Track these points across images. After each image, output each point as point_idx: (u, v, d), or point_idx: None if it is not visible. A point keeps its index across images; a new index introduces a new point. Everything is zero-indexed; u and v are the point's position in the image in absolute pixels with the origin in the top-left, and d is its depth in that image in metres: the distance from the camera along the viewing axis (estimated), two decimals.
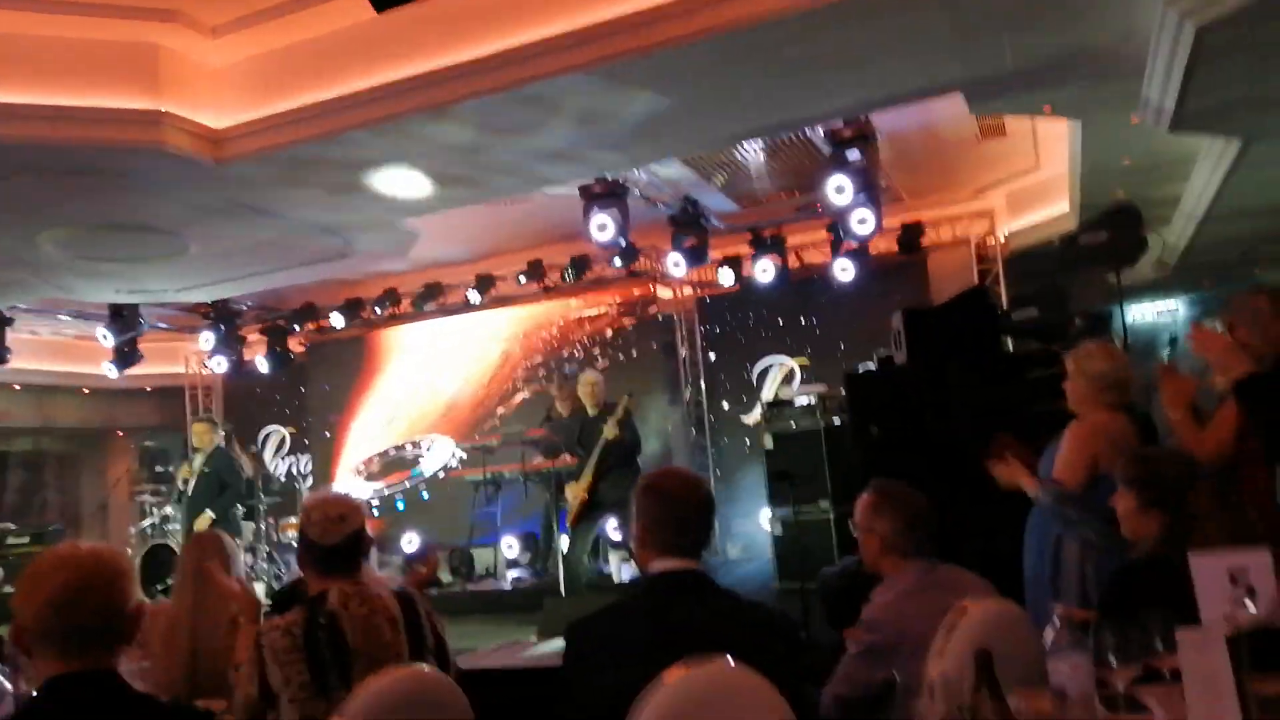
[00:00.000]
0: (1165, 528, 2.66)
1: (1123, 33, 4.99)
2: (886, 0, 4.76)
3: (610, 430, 7.76)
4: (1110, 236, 5.08)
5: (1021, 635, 2.54)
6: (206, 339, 11.46)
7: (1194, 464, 2.83)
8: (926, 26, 5.07)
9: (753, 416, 10.46)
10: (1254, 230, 7.65)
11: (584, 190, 7.83)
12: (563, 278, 10.21)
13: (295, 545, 3.13)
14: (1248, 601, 1.88)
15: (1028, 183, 9.65)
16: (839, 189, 7.16)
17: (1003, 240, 10.17)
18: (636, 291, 10.91)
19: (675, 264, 8.93)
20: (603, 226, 7.86)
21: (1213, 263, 8.62)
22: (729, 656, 2.05)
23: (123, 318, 10.48)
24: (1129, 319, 10.24)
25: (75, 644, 1.83)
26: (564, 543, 7.96)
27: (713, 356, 11.31)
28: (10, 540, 10.79)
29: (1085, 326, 6.72)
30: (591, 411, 8.14)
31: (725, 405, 11.21)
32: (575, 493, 7.88)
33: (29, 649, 1.86)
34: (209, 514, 7.95)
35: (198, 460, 8.27)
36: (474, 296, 10.91)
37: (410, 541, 10.76)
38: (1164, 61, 4.56)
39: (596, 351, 11.02)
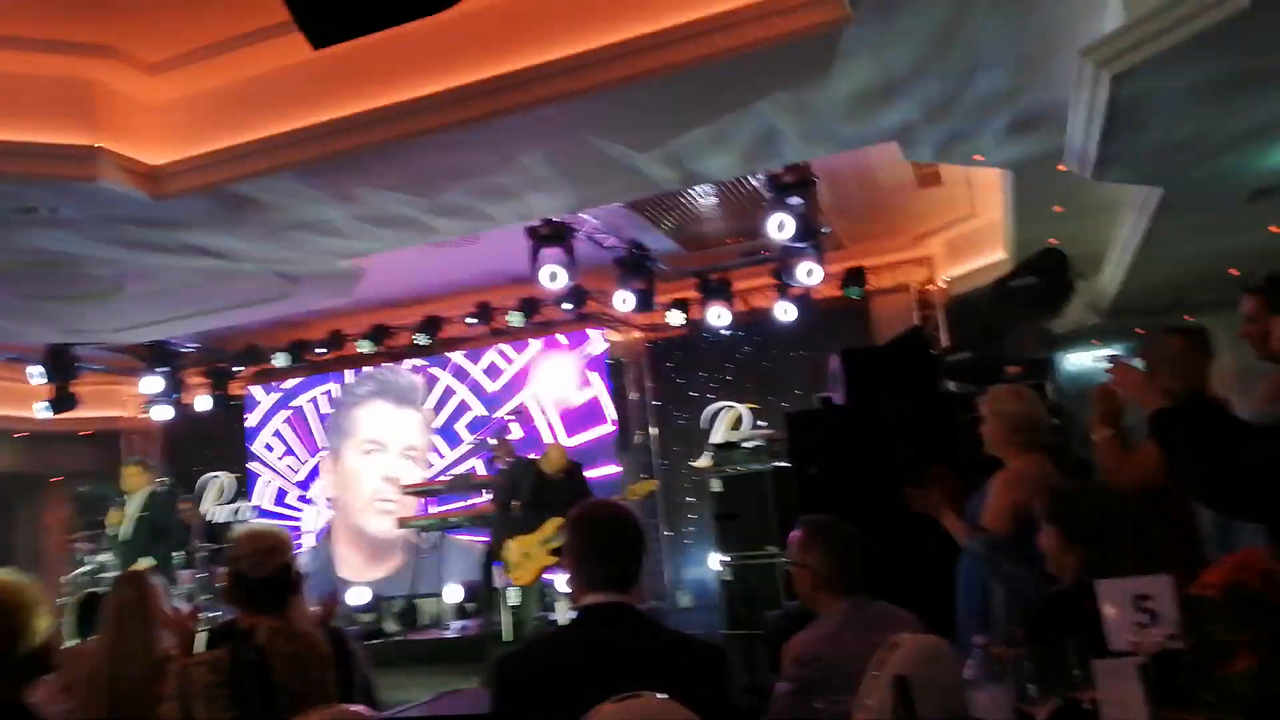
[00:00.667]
0: (1086, 561, 2.72)
1: (1046, 84, 5.18)
2: (817, 54, 4.91)
3: None
4: (1038, 281, 5.22)
5: (947, 670, 2.57)
6: (148, 384, 11.24)
7: (1112, 497, 2.90)
8: (857, 75, 5.23)
9: (702, 461, 10.49)
10: (1181, 277, 7.88)
11: (531, 231, 7.89)
12: (510, 320, 10.25)
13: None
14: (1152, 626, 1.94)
15: (965, 230, 9.89)
16: (780, 226, 7.28)
17: (943, 285, 10.40)
18: (585, 334, 10.95)
19: (623, 300, 8.97)
20: (553, 276, 7.92)
21: (1144, 309, 8.85)
22: (658, 691, 2.05)
23: (59, 359, 10.26)
24: (1068, 366, 10.52)
25: None
26: (511, 595, 7.86)
27: (662, 400, 11.36)
28: None
29: (1022, 372, 6.85)
30: (558, 476, 7.99)
31: (675, 449, 11.23)
32: (530, 549, 7.77)
33: None
34: (147, 561, 7.74)
35: (133, 505, 8.07)
36: (421, 339, 10.89)
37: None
38: (1084, 110, 4.72)
39: (545, 396, 11.01)
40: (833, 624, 3.00)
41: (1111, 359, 2.96)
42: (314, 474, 12.08)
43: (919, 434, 4.81)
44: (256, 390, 12.46)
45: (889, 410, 4.91)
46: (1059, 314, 6.07)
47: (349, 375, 11.99)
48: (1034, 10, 4.74)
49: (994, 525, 3.49)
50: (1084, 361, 10.66)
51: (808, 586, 3.11)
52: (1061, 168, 5.83)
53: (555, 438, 10.54)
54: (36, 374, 10.21)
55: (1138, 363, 3.34)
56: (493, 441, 9.01)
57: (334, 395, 12.09)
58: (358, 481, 11.70)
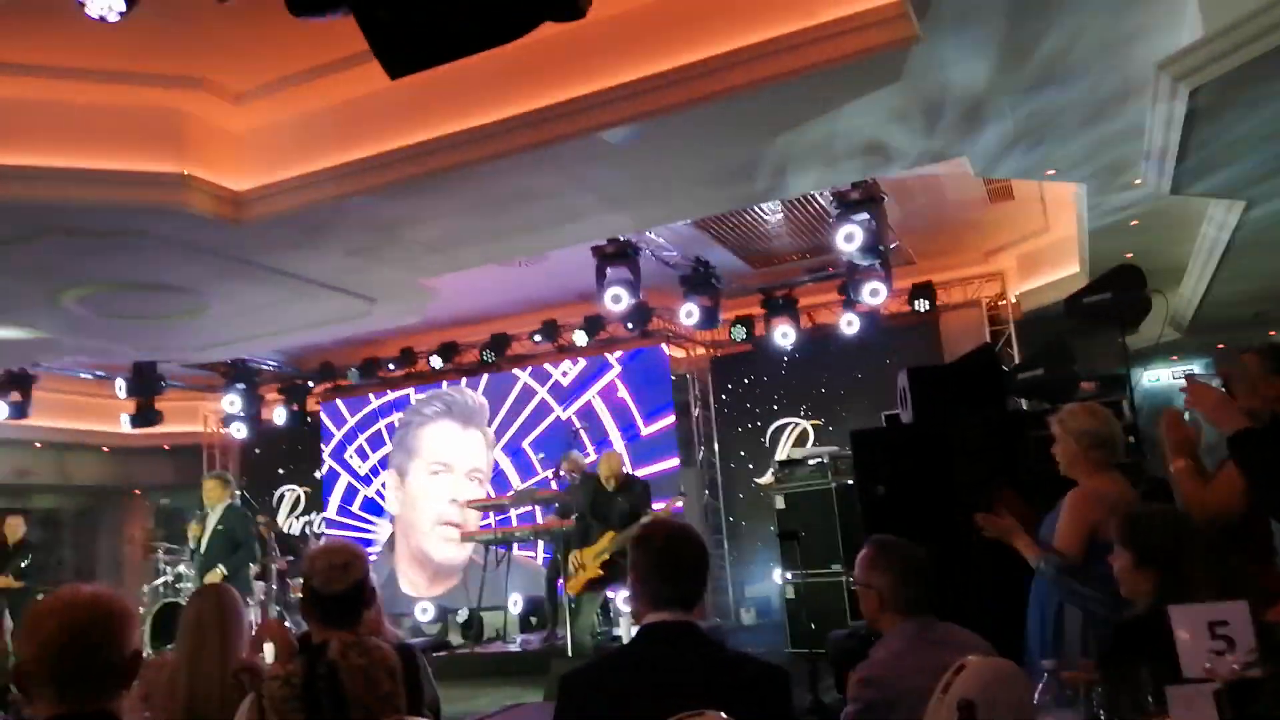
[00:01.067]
0: (1160, 585, 2.65)
1: (1121, 97, 5.09)
2: (885, 72, 4.89)
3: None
4: (1113, 297, 5.11)
5: (1017, 694, 2.53)
6: (228, 402, 11.63)
7: (1186, 521, 2.82)
8: (928, 96, 5.19)
9: (766, 478, 10.43)
10: (1263, 291, 7.66)
11: (596, 250, 7.97)
12: (575, 338, 10.35)
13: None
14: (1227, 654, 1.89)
15: (1038, 245, 9.73)
16: (848, 237, 7.24)
17: (1014, 301, 10.23)
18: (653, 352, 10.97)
19: (689, 314, 8.99)
20: (617, 298, 7.99)
21: (1225, 324, 8.62)
22: (719, 710, 2.06)
23: (143, 376, 10.66)
24: (1145, 382, 10.24)
25: (73, 686, 1.85)
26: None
27: (726, 416, 11.33)
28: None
29: (1098, 389, 6.69)
30: (609, 485, 7.88)
31: (739, 466, 11.19)
32: (584, 561, 7.78)
33: (29, 690, 1.88)
34: (220, 569, 7.96)
35: (211, 518, 8.31)
36: (489, 356, 11.07)
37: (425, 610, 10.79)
38: (1161, 124, 4.64)
39: (609, 412, 11.05)
40: (898, 645, 2.96)
41: (1187, 378, 2.88)
42: (381, 467, 12.29)
43: (987, 453, 4.72)
44: (340, 405, 12.73)
45: (957, 429, 4.84)
46: (1135, 330, 5.93)
47: (413, 394, 12.17)
48: (1109, 24, 4.68)
49: (1066, 546, 3.41)
50: (1162, 378, 10.39)
51: (874, 607, 3.07)
52: (1138, 182, 5.72)
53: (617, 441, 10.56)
54: (122, 388, 10.63)
55: (1216, 382, 3.25)
56: (559, 467, 9.01)
57: (402, 416, 12.28)
58: (424, 502, 11.86)
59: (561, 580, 8.03)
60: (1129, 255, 7.15)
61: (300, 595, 2.93)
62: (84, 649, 1.86)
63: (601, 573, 7.62)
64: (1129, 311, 5.21)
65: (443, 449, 11.92)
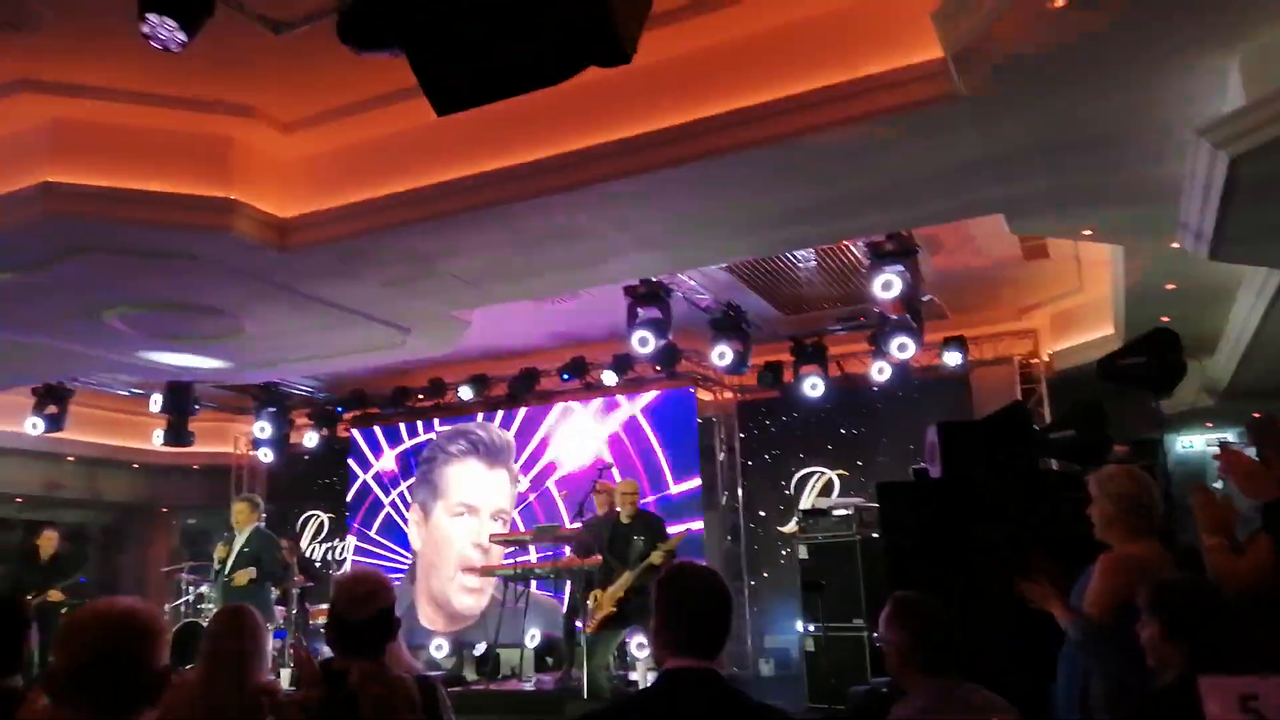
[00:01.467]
0: (1189, 656, 2.61)
1: (1159, 159, 5.09)
2: (924, 127, 4.93)
3: (657, 558, 7.42)
4: (1148, 361, 5.06)
5: None
6: (260, 429, 11.74)
7: (1216, 592, 2.78)
8: (965, 152, 5.22)
9: (790, 526, 10.35)
10: None
11: (629, 290, 8.02)
12: (604, 377, 10.39)
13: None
14: None
15: (1071, 304, 9.69)
16: (885, 285, 7.23)
17: (1047, 360, 10.17)
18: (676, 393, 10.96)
19: (721, 355, 8.98)
20: (644, 341, 8.03)
21: (1260, 391, 8.50)
22: None
23: (177, 395, 10.80)
24: (1178, 448, 10.10)
25: (100, 697, 1.88)
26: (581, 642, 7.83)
27: (750, 462, 11.28)
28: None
29: (1130, 453, 6.60)
30: (625, 519, 7.84)
31: (762, 513, 11.12)
32: (602, 600, 7.72)
33: (57, 697, 1.91)
34: (251, 570, 7.97)
35: (238, 540, 8.37)
36: (517, 391, 11.13)
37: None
38: (1200, 189, 4.62)
39: (633, 452, 11.03)
40: (920, 704, 2.93)
41: (1221, 445, 2.85)
42: (407, 498, 12.26)
43: (1015, 512, 4.68)
44: (370, 433, 12.79)
45: (986, 487, 4.80)
46: (1169, 395, 5.87)
47: (439, 426, 12.20)
48: (1149, 88, 4.69)
49: (1095, 611, 3.36)
50: (1195, 444, 10.25)
51: (895, 664, 3.05)
52: (1175, 246, 5.70)
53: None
54: (158, 403, 10.78)
55: (1250, 450, 3.21)
56: (594, 490, 8.97)
57: (426, 451, 12.29)
58: (447, 545, 11.81)
59: (580, 621, 7.98)
60: (1165, 319, 7.10)
61: (326, 620, 2.94)
62: (112, 662, 1.90)
63: (614, 610, 7.55)
64: (1163, 376, 5.16)
65: (467, 490, 11.86)
